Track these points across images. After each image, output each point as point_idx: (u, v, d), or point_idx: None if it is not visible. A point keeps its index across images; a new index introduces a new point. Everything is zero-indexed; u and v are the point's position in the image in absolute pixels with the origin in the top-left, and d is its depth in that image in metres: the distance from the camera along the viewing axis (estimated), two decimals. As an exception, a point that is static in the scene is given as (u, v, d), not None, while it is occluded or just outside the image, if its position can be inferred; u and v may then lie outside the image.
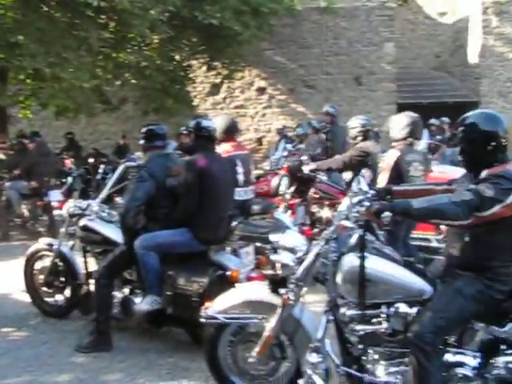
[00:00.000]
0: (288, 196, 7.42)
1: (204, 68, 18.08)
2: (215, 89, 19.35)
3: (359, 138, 6.38)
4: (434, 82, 21.36)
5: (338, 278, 3.26)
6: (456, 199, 2.96)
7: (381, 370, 3.27)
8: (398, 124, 5.45)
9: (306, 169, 6.74)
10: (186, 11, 13.05)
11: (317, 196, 7.43)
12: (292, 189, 7.53)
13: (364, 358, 3.32)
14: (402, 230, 5.30)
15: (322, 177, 7.45)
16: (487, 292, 3.09)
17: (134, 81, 14.64)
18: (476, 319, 3.19)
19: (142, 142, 5.09)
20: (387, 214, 2.94)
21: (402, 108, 18.01)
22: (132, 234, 4.78)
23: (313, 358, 3.23)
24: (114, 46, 13.12)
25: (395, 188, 3.57)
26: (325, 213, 7.18)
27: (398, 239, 5.22)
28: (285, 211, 6.89)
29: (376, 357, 3.29)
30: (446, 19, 23.94)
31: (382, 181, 5.28)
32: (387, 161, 5.37)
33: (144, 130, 5.09)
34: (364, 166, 6.01)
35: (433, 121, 13.28)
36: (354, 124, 6.49)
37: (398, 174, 5.23)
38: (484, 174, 3.11)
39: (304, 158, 7.11)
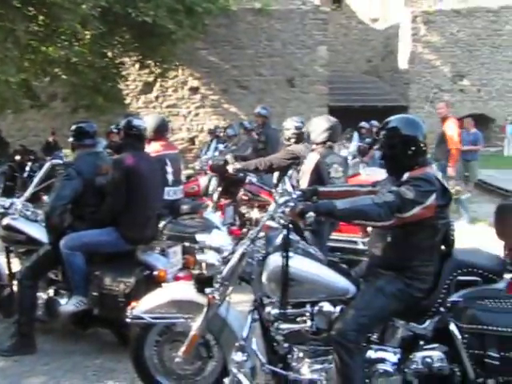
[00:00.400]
0: (216, 196, 7.40)
1: (137, 66, 17.86)
2: (148, 87, 19.15)
3: (292, 140, 6.41)
4: (365, 86, 21.92)
5: (263, 278, 3.29)
6: (378, 201, 3.05)
7: (305, 368, 3.32)
8: (318, 128, 5.50)
9: (231, 168, 6.71)
10: (118, 7, 12.86)
11: (246, 197, 7.46)
12: (219, 189, 7.51)
13: (289, 356, 3.36)
14: (326, 231, 5.39)
15: (252, 178, 7.48)
16: (407, 290, 3.20)
17: (64, 76, 14.26)
18: (397, 316, 3.29)
19: (70, 139, 4.99)
20: (311, 214, 2.99)
21: (333, 110, 18.42)
22: (57, 234, 4.67)
23: (238, 356, 3.24)
24: (43, 40, 12.76)
25: (321, 189, 3.62)
26: (254, 214, 7.21)
27: (322, 239, 5.31)
28: (214, 211, 6.87)
29: (301, 355, 3.34)
30: (378, 25, 24.58)
31: (304, 183, 5.35)
32: (308, 163, 5.45)
33: (73, 127, 4.98)
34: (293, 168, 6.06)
35: (363, 124, 13.61)
36: (289, 125, 6.50)
37: (319, 176, 5.28)
38: (405, 176, 3.22)
39: (228, 157, 7.07)
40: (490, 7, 21.32)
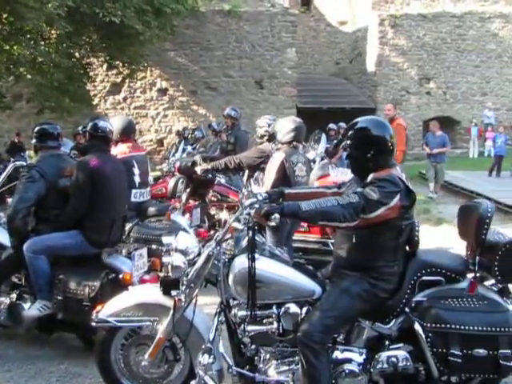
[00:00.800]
0: (184, 198, 7.36)
1: (104, 67, 17.69)
2: (116, 88, 18.98)
3: (265, 138, 6.45)
4: (333, 88, 22.07)
5: (230, 280, 3.29)
6: (343, 202, 3.06)
7: (272, 370, 3.32)
8: (284, 128, 5.62)
9: (199, 169, 6.69)
10: (85, 7, 12.71)
11: (215, 199, 7.44)
12: (188, 190, 7.47)
13: (256, 357, 3.36)
14: (285, 231, 5.45)
15: (221, 179, 7.46)
16: (372, 291, 3.23)
17: (29, 76, 14.02)
18: (362, 317, 3.32)
19: (33, 141, 4.92)
20: (276, 216, 2.99)
21: (302, 112, 18.51)
22: (21, 237, 4.58)
23: (205, 359, 3.23)
24: (7, 38, 12.52)
25: (287, 191, 3.63)
26: (223, 215, 7.19)
27: (281, 239, 5.38)
28: (181, 213, 6.82)
29: (267, 356, 3.34)
30: (346, 28, 24.77)
31: (269, 181, 5.44)
32: (273, 162, 5.53)
33: (36, 129, 4.92)
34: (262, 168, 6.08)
35: (331, 126, 13.72)
36: (262, 123, 6.55)
37: (284, 174, 5.41)
38: (370, 177, 3.25)
39: (196, 158, 7.06)
40: (455, 12, 21.70)
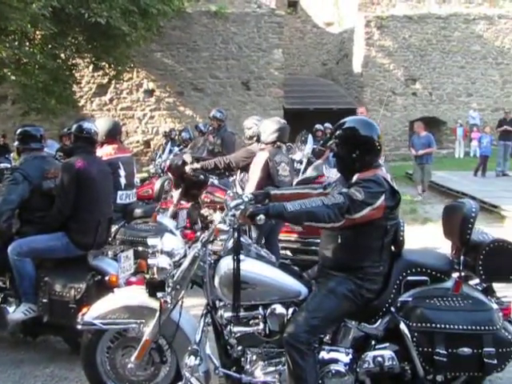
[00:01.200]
0: (176, 198, 7.34)
1: (90, 68, 17.60)
2: (102, 90, 18.90)
3: (254, 139, 6.47)
4: (320, 89, 22.12)
5: (215, 281, 3.28)
6: (328, 202, 3.07)
7: (259, 371, 3.32)
8: (268, 129, 5.72)
9: (188, 168, 6.69)
10: (71, 8, 12.62)
11: (208, 199, 7.43)
12: (179, 191, 7.45)
13: (243, 359, 3.36)
14: (267, 226, 5.47)
15: (214, 180, 7.47)
16: (358, 291, 3.24)
17: (13, 77, 13.90)
18: (348, 317, 3.33)
19: (16, 143, 4.90)
20: (261, 217, 3.00)
21: (288, 113, 18.55)
22: (5, 239, 4.55)
23: (191, 361, 3.22)
24: (-10, 39, 12.40)
25: (273, 192, 3.64)
26: (216, 216, 7.16)
27: (259, 239, 5.43)
28: (173, 214, 6.81)
29: (254, 357, 3.34)
30: (333, 29, 24.83)
31: (253, 181, 5.51)
32: (257, 162, 5.62)
33: (19, 131, 4.90)
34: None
35: (318, 126, 13.75)
36: (250, 124, 6.57)
37: (268, 174, 5.52)
38: (355, 178, 3.25)
39: (186, 157, 7.04)
40: (440, 14, 21.82)
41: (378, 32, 21.27)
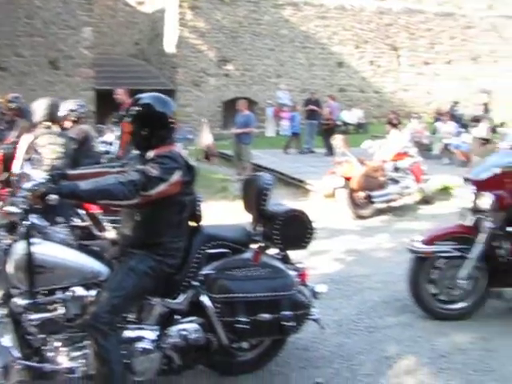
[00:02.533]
0: None
1: None
2: None
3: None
4: (132, 69, 21.71)
5: (9, 267, 3.09)
6: (123, 179, 3.03)
7: (63, 357, 3.21)
8: (38, 109, 5.40)
9: None
10: None
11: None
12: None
13: (45, 347, 3.21)
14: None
15: None
16: (159, 267, 3.25)
17: None
18: (151, 294, 3.33)
19: None
20: (54, 197, 2.88)
21: (100, 94, 17.99)
22: None
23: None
24: None
25: (70, 172, 3.52)
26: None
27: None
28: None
29: (57, 344, 3.22)
30: (145, 8, 24.41)
31: (17, 167, 5.05)
32: (21, 146, 5.22)
33: None
34: None
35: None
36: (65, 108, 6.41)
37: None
38: (151, 154, 3.24)
39: None
40: (251, -3, 22.49)
41: (190, 12, 21.33)
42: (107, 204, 3.12)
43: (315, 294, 3.74)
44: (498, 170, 4.74)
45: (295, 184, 11.66)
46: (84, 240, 5.07)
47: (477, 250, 4.69)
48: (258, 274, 3.46)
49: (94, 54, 19.09)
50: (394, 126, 10.35)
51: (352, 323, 4.78)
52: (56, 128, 5.46)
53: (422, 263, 4.82)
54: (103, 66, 19.72)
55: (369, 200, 8.82)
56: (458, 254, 4.75)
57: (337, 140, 10.01)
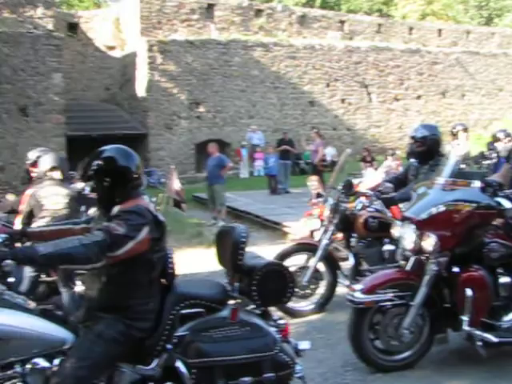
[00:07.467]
0: None
1: None
2: None
3: None
4: (103, 115, 21.59)
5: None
6: (87, 241, 2.79)
7: None
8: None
9: None
10: None
11: None
12: None
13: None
14: None
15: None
16: (129, 332, 2.99)
17: None
18: (121, 361, 3.05)
19: None
20: (8, 262, 2.62)
21: (72, 140, 17.73)
22: None
23: None
24: None
25: (30, 230, 3.27)
26: None
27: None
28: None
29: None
30: (115, 53, 24.42)
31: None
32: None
33: None
34: None
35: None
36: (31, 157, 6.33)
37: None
38: (115, 210, 3.01)
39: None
40: (220, 40, 22.61)
41: (160, 56, 21.34)
42: (69, 268, 2.87)
43: (298, 352, 3.47)
44: (441, 209, 4.47)
45: (271, 226, 11.44)
46: (51, 296, 4.82)
47: (420, 295, 4.39)
48: (236, 334, 3.19)
49: (64, 99, 18.87)
50: (369, 162, 10.27)
51: (338, 376, 4.55)
52: None
53: (362, 314, 4.48)
54: (74, 112, 19.52)
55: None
56: (400, 301, 4.45)
57: (311, 181, 9.86)
